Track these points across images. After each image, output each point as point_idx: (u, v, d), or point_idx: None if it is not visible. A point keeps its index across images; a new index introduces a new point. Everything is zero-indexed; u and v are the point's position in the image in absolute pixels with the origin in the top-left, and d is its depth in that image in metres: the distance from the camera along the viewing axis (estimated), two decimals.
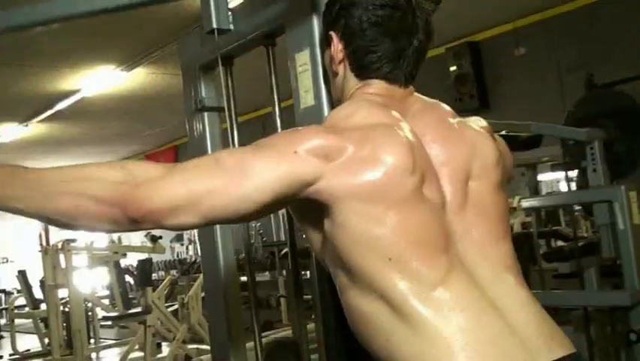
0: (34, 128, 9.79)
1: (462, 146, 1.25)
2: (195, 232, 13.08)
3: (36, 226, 10.21)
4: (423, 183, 1.12)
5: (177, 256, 13.43)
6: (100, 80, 7.75)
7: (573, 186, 3.97)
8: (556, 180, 7.57)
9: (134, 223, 1.08)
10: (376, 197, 1.09)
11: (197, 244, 13.19)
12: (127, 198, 1.06)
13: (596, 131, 3.43)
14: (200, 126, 1.88)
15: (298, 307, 1.72)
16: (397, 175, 1.09)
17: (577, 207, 4.54)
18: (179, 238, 13.67)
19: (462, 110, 1.45)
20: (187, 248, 13.65)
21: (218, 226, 1.89)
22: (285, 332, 5.79)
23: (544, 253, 4.18)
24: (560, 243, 5.33)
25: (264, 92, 1.76)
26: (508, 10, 6.77)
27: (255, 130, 1.77)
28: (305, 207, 1.18)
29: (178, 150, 12.25)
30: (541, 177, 6.62)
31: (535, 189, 4.73)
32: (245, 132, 1.85)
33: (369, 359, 1.15)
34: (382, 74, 1.28)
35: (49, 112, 8.90)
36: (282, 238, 8.82)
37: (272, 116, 1.70)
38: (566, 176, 3.91)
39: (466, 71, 7.31)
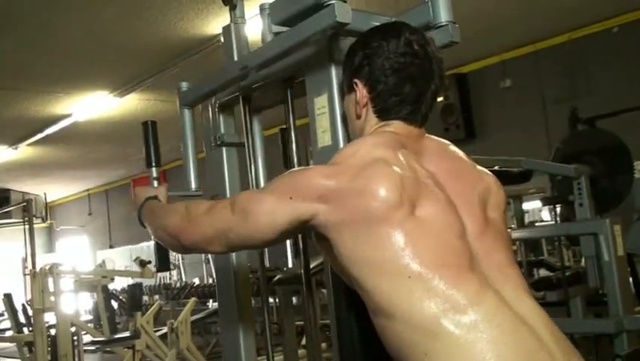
0: (24, 151, 9.82)
1: (476, 181, 1.41)
2: (179, 257, 13.12)
3: (19, 250, 10.16)
4: (414, 209, 1.24)
5: (161, 280, 13.32)
6: (92, 106, 7.82)
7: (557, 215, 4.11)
8: (539, 209, 7.72)
9: (187, 249, 1.53)
10: (370, 225, 1.22)
11: (182, 270, 13.14)
12: (179, 233, 1.49)
13: (583, 167, 3.58)
14: (219, 160, 2.00)
15: (315, 331, 1.81)
16: (386, 206, 1.22)
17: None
18: None
19: (448, 140, 1.60)
20: (170, 273, 13.57)
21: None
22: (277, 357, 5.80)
23: (533, 282, 4.30)
24: (542, 271, 5.44)
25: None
26: (496, 43, 6.96)
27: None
28: (320, 235, 1.32)
29: (167, 175, 12.27)
30: (524, 205, 6.76)
31: (521, 220, 4.86)
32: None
33: None
34: (402, 116, 1.40)
35: (39, 135, 8.96)
36: (267, 264, 8.81)
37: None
38: (553, 208, 4.05)
39: (452, 102, 7.48)
